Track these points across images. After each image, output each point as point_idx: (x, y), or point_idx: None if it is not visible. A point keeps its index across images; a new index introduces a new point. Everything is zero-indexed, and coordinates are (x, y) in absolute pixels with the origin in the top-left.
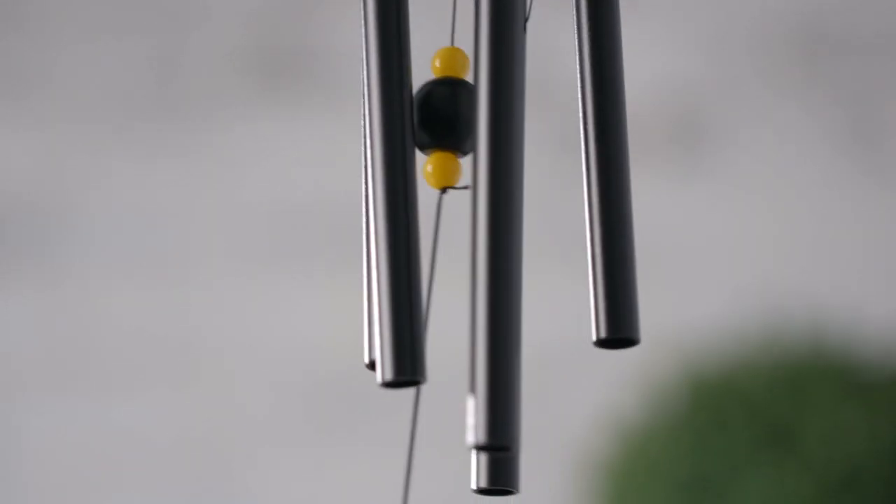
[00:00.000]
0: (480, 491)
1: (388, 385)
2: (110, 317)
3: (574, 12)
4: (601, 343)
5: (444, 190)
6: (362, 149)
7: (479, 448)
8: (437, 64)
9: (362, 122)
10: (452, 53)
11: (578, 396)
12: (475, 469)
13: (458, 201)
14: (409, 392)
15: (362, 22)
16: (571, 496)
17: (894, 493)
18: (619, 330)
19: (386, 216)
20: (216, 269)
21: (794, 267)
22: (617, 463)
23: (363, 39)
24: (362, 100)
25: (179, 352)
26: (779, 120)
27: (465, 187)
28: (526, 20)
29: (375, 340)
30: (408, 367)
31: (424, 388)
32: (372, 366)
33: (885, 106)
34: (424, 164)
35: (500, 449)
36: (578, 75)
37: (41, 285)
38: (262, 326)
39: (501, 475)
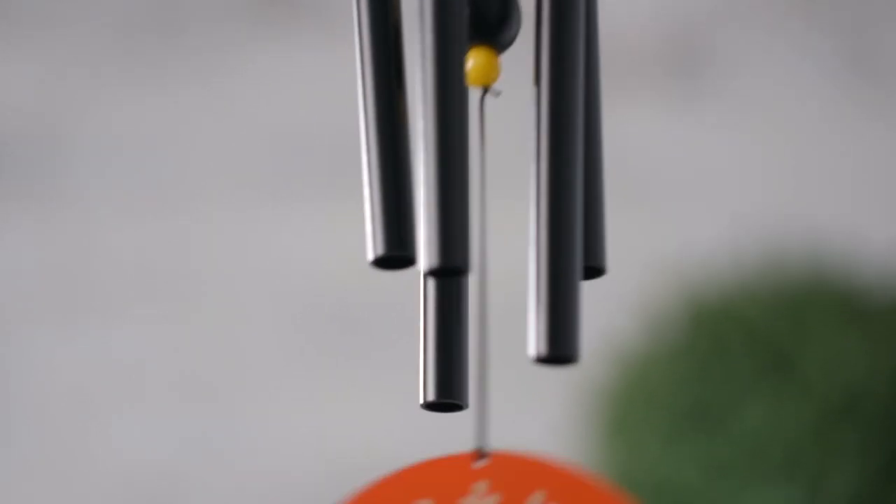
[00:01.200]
0: (429, 406)
1: (379, 264)
2: (109, 245)
3: None
4: (540, 360)
5: (484, 90)
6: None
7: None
8: None
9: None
10: None
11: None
12: (423, 384)
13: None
14: (409, 321)
15: None
16: (570, 424)
17: (894, 418)
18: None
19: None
20: (216, 197)
21: (794, 193)
22: (616, 391)
23: None
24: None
25: (179, 280)
26: (778, 49)
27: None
28: None
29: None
30: (399, 242)
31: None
32: (377, 263)
33: (886, 33)
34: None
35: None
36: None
37: (40, 214)
38: (262, 254)
39: (450, 389)
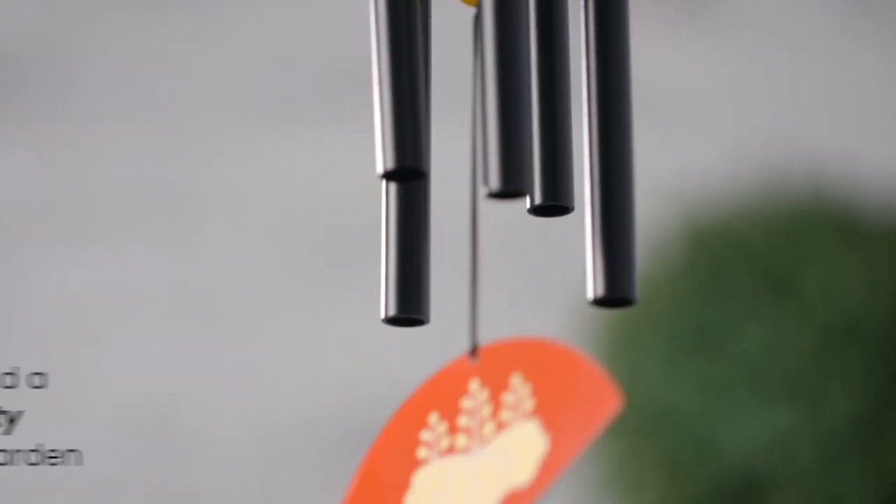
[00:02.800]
0: (390, 321)
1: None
2: (111, 167)
3: None
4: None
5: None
6: None
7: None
8: None
9: None
10: None
11: (578, 245)
12: (384, 299)
13: None
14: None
15: None
16: (572, 345)
17: (893, 341)
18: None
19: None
20: (217, 120)
21: (794, 117)
22: (617, 313)
23: None
24: None
25: (180, 202)
26: None
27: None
28: None
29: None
30: (410, 155)
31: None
32: (386, 177)
33: None
34: None
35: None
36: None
37: (42, 137)
38: (263, 176)
39: (411, 303)
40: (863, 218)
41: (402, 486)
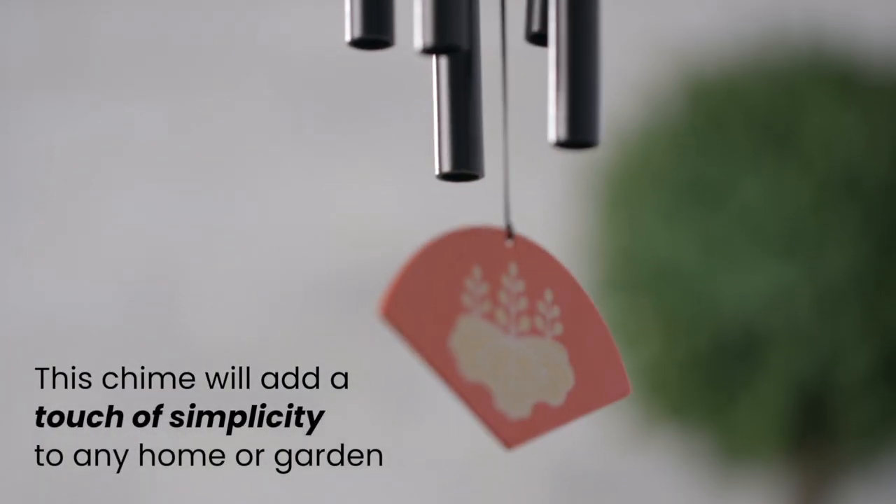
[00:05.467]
0: (444, 176)
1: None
2: (111, 20)
3: None
4: (560, 145)
5: None
6: None
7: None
8: None
9: None
10: None
11: None
12: (438, 154)
13: None
14: (405, 100)
15: None
16: (572, 200)
17: (892, 194)
18: (577, 133)
19: None
20: None
21: None
22: (617, 168)
23: None
24: None
25: (180, 57)
26: None
27: None
28: None
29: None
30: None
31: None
32: (355, 44)
33: None
34: None
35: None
36: None
37: None
38: (264, 32)
39: (465, 159)
40: (862, 72)
41: (449, 321)
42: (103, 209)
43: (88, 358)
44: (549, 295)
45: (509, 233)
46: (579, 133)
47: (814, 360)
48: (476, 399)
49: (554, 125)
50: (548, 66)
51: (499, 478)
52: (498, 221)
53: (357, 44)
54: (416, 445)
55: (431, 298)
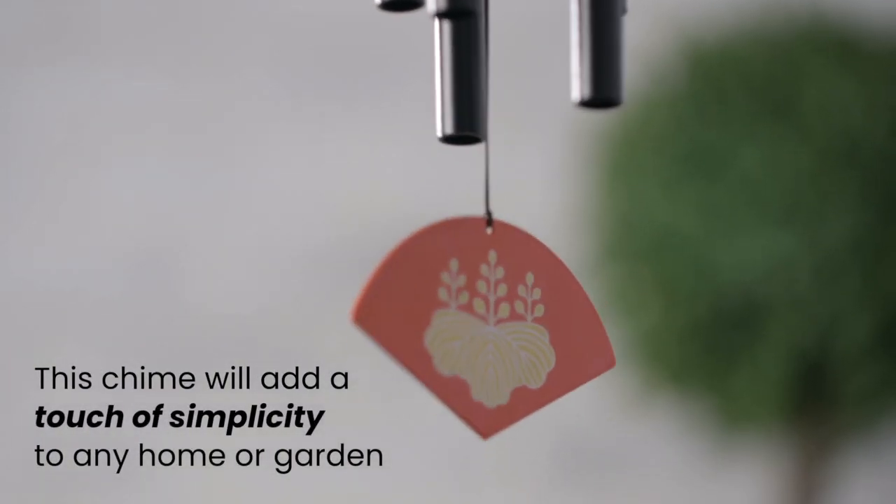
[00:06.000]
0: (446, 139)
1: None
2: None
3: None
4: (584, 104)
5: None
6: None
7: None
8: None
9: None
10: None
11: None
12: (440, 116)
13: None
14: (403, 66)
15: None
16: (571, 169)
17: (891, 162)
18: (601, 91)
19: None
20: None
21: None
22: (616, 135)
23: None
24: None
25: (178, 25)
26: None
27: None
28: None
29: None
30: None
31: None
32: (384, 6)
33: None
34: None
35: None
36: None
37: None
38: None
39: (468, 121)
40: (862, 39)
41: (423, 319)
42: (102, 181)
43: (87, 331)
44: (529, 278)
45: (489, 220)
46: (603, 91)
47: (813, 328)
48: (452, 393)
49: (578, 84)
50: (570, 26)
51: (499, 456)
52: (501, 189)
53: (386, 6)
54: (416, 444)
55: (405, 299)
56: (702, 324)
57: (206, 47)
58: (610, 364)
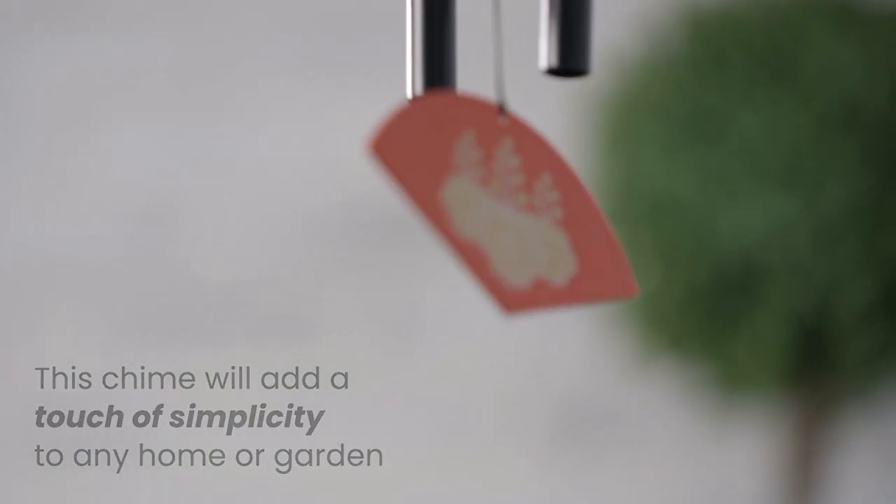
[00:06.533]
0: (550, 72)
1: None
2: None
3: None
4: (551, 72)
5: None
6: None
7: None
8: None
9: None
10: None
11: None
12: (411, 77)
13: None
14: (400, 34)
15: None
16: (570, 134)
17: (890, 127)
18: (569, 60)
19: None
20: None
21: None
22: (616, 101)
23: None
24: None
25: None
26: None
27: None
28: None
29: None
30: None
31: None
32: None
33: None
34: None
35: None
36: None
37: None
38: None
39: (438, 81)
40: (861, 3)
41: (440, 175)
42: (102, 144)
43: (87, 295)
44: (546, 178)
45: (501, 108)
46: (571, 60)
47: (813, 292)
48: (472, 259)
49: (546, 52)
50: None
51: (500, 420)
52: None
53: None
54: (416, 444)
55: (423, 148)
56: (701, 288)
57: (206, 10)
58: (631, 292)
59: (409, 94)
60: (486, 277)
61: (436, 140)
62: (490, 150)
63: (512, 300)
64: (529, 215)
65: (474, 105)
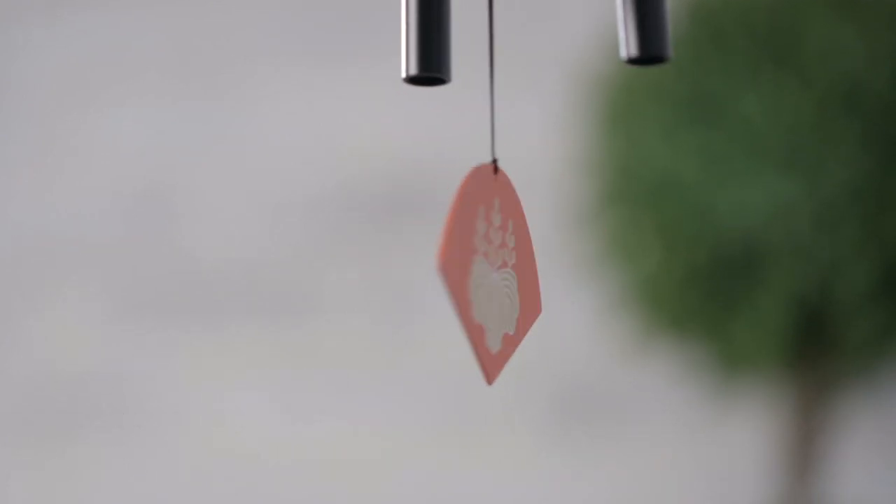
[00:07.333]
0: (410, 79)
1: None
2: None
3: None
4: (631, 61)
5: None
6: None
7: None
8: None
9: None
10: None
11: (577, 10)
12: (404, 57)
13: None
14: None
15: None
16: (571, 115)
17: (892, 109)
18: (648, 49)
19: None
20: None
21: None
22: (616, 82)
23: None
24: None
25: None
26: None
27: None
28: None
29: None
30: None
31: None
32: None
33: None
34: None
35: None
36: None
37: None
38: None
39: (432, 62)
40: None
41: (467, 266)
42: (102, 122)
43: (87, 274)
44: (510, 225)
45: (495, 167)
46: (651, 48)
47: (814, 274)
48: (478, 339)
49: (624, 42)
50: None
51: (500, 402)
52: (501, 136)
53: None
54: (417, 424)
55: (459, 244)
56: (702, 269)
57: None
58: (539, 311)
59: (402, 76)
60: (483, 352)
61: (465, 230)
62: (489, 219)
63: (494, 369)
64: (502, 271)
65: (480, 174)
